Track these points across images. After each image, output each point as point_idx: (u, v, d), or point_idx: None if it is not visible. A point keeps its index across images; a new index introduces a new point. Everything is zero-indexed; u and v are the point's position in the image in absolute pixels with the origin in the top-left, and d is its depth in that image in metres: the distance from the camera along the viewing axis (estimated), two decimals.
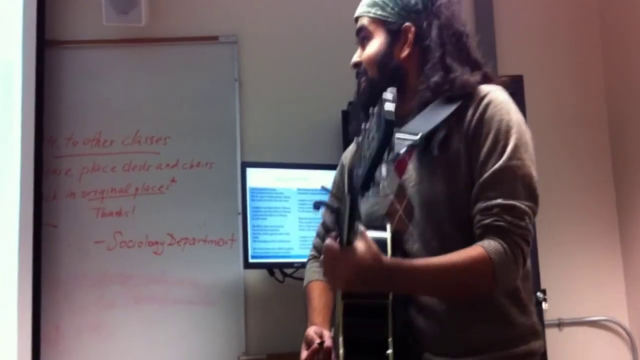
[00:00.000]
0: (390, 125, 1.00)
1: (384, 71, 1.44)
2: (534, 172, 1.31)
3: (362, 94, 1.48)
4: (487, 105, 1.34)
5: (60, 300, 2.87)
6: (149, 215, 2.96)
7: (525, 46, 3.17)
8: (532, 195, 1.30)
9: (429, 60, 1.41)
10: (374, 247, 1.21)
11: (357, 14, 1.50)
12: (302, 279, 1.69)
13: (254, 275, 2.91)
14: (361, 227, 1.22)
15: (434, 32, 1.42)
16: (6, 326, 2.64)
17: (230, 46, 3.11)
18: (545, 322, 2.90)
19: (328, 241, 1.22)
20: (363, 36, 1.48)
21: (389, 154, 1.20)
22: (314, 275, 1.64)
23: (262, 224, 2.72)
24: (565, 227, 3.05)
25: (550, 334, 2.91)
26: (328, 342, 1.44)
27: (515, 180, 1.29)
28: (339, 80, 2.92)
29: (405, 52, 1.44)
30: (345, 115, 2.92)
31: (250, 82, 3.10)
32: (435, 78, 1.38)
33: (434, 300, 1.34)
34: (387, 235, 1.34)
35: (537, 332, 1.38)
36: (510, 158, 1.29)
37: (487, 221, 1.28)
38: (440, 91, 1.37)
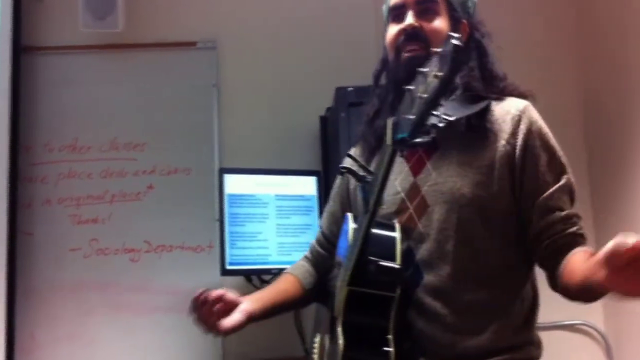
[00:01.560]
0: (458, 53, 0.95)
1: None
2: None
3: (414, 58, 1.38)
4: (531, 118, 1.39)
5: (36, 308, 2.84)
6: (125, 223, 2.93)
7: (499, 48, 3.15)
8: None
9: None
10: None
11: None
12: None
13: (232, 282, 2.89)
14: None
15: (477, 39, 1.47)
16: None
17: (208, 52, 3.10)
18: None
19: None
20: (429, 7, 1.43)
21: (402, 151, 1.16)
22: (295, 271, 1.66)
23: (240, 230, 2.71)
24: None
25: None
26: (229, 296, 1.47)
27: (572, 194, 1.37)
28: (318, 86, 2.96)
29: None
30: (324, 121, 2.93)
31: (228, 88, 3.09)
32: (477, 82, 1.40)
33: (436, 304, 1.33)
34: (396, 234, 1.33)
35: (538, 342, 1.39)
36: (569, 173, 1.38)
37: (572, 229, 1.32)
38: (483, 93, 1.37)
